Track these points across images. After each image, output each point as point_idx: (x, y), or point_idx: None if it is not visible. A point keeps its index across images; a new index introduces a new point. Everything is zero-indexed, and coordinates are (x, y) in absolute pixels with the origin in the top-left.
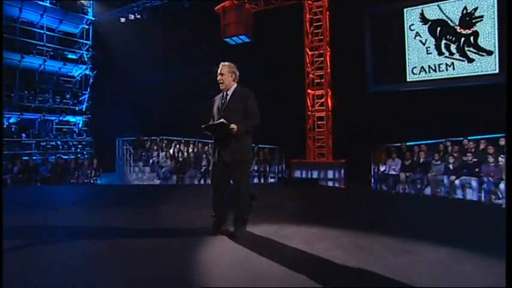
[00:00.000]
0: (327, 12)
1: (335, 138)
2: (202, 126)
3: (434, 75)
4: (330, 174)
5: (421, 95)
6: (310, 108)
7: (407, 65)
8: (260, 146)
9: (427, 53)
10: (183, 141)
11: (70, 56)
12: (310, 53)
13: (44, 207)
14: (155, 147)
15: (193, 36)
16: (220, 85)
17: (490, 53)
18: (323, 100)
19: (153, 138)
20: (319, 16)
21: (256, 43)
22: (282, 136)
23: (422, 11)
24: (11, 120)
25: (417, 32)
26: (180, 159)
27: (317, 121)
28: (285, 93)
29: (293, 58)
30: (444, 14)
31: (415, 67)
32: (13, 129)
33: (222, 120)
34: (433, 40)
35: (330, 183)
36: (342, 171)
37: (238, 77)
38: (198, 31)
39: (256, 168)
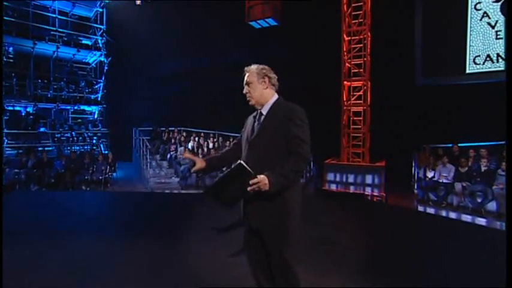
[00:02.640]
0: None
1: (373, 136)
2: (209, 189)
3: (503, 66)
4: (369, 179)
5: (482, 89)
6: (345, 102)
7: (467, 53)
8: None
9: (497, 38)
10: (202, 134)
11: (84, 41)
12: (347, 38)
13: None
14: (173, 140)
15: (216, 20)
16: (249, 102)
17: None
18: (361, 93)
19: (170, 129)
20: None
21: (284, 27)
22: (312, 132)
23: None
24: (28, 109)
25: (485, 12)
26: (200, 155)
27: (353, 117)
28: (317, 84)
29: (327, 44)
30: None
31: (479, 56)
32: (29, 120)
33: (240, 162)
34: (505, 21)
35: (368, 189)
36: (383, 175)
37: (276, 84)
38: (221, 14)
39: None
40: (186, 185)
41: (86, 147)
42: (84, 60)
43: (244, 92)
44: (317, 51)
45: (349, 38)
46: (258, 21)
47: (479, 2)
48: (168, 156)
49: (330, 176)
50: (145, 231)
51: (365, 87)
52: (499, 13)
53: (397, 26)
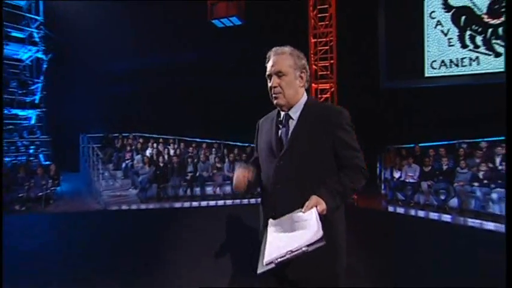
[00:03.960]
0: None
1: None
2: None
3: (456, 71)
4: None
5: (440, 92)
6: None
7: (425, 58)
8: (253, 145)
9: (449, 45)
10: (161, 140)
11: (14, 34)
12: (313, 40)
13: None
14: (128, 148)
15: (175, 16)
16: (276, 99)
17: None
18: (328, 95)
19: (124, 135)
20: None
21: (249, 27)
22: None
23: None
24: None
25: (439, 21)
26: (161, 164)
27: None
28: None
29: (293, 46)
30: (471, 0)
31: (435, 61)
32: None
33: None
34: (457, 30)
35: None
36: None
37: (308, 80)
38: (180, 10)
39: None
40: (146, 197)
41: (20, 158)
42: (15, 56)
43: (272, 85)
44: None
45: (316, 39)
46: (221, 19)
47: (434, 11)
48: (123, 165)
49: None
50: (105, 266)
51: (332, 90)
52: (451, 22)
53: (362, 30)
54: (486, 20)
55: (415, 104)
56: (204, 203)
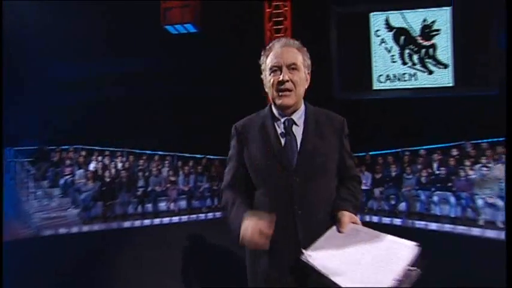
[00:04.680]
0: (290, 7)
1: None
2: None
3: (399, 85)
4: None
5: (386, 104)
6: None
7: (373, 72)
8: (209, 157)
9: (392, 61)
10: (107, 152)
11: None
12: None
13: None
14: (68, 162)
15: (125, 21)
16: (283, 97)
17: (446, 66)
18: None
19: (63, 147)
20: (281, 10)
21: (205, 35)
22: None
23: (387, 17)
24: None
25: (383, 39)
26: (107, 179)
27: None
28: (240, 96)
29: (251, 56)
30: (407, 22)
31: (381, 75)
32: None
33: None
34: (398, 48)
35: None
36: None
37: None
38: (132, 13)
39: (208, 186)
40: (89, 217)
41: None
42: None
43: (283, 78)
44: (240, 61)
45: None
46: (175, 26)
47: (378, 30)
48: (62, 181)
49: None
50: None
51: None
52: (392, 40)
53: (316, 44)
54: (420, 41)
55: (365, 115)
56: (157, 221)
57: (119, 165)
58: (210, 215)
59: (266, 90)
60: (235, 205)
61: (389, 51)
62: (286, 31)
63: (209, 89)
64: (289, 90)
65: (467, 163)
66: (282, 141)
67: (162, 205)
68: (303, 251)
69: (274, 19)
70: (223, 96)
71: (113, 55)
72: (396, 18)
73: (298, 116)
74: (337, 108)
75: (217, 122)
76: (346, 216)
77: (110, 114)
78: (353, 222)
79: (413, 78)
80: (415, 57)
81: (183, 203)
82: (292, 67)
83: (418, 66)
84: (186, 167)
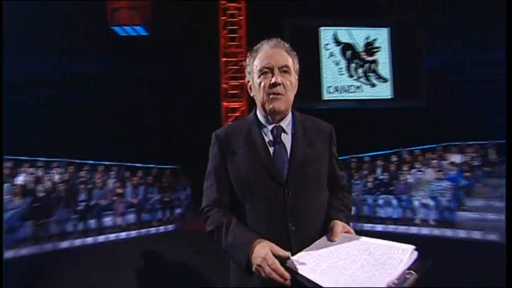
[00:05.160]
0: (245, 17)
1: None
2: None
3: (346, 96)
4: None
5: (335, 114)
6: (224, 122)
7: (323, 84)
8: (160, 166)
9: (340, 74)
10: (41, 163)
11: None
12: (224, 59)
13: None
14: None
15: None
16: (274, 101)
17: (385, 80)
18: (238, 114)
19: None
20: (236, 19)
21: (155, 38)
22: (191, 155)
23: (335, 32)
24: None
25: (331, 52)
26: (40, 193)
27: None
28: (192, 102)
29: (205, 62)
30: (353, 38)
31: (330, 86)
32: None
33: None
34: (345, 62)
35: None
36: None
37: None
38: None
39: (159, 198)
40: (15, 240)
41: None
42: None
43: (275, 81)
44: (193, 68)
45: (226, 59)
46: (124, 27)
47: (328, 44)
48: None
49: None
50: None
51: (243, 109)
52: (340, 54)
53: None
54: (364, 56)
55: None
56: (101, 238)
57: (56, 177)
58: (161, 229)
59: (252, 94)
60: (231, 228)
61: (337, 64)
62: (241, 40)
63: (160, 94)
64: (282, 94)
65: (405, 168)
66: (271, 150)
67: (108, 220)
68: (290, 257)
69: (229, 27)
70: (175, 102)
71: (49, 55)
72: (343, 34)
73: (287, 123)
74: None
75: (169, 129)
76: (339, 225)
77: (44, 119)
78: (346, 232)
79: (358, 90)
80: (360, 71)
81: (131, 217)
82: (284, 70)
83: (362, 79)
84: (135, 178)
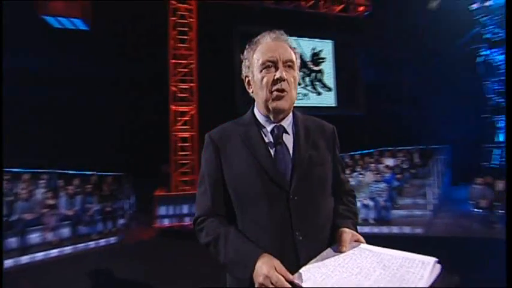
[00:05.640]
0: (197, 19)
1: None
2: None
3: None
4: None
5: None
6: (172, 127)
7: None
8: (100, 174)
9: None
10: None
11: None
12: (173, 61)
13: None
14: None
15: None
16: (279, 99)
17: (330, 89)
18: (187, 118)
19: None
20: (187, 21)
21: (98, 35)
22: (136, 160)
23: None
24: None
25: None
26: None
27: (181, 142)
28: (138, 106)
29: (152, 63)
30: (301, 48)
31: None
32: None
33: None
34: None
35: None
36: None
37: None
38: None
39: (99, 208)
40: None
41: None
42: None
43: (281, 76)
44: (139, 69)
45: (176, 61)
46: (58, 18)
47: None
48: None
49: (162, 210)
50: None
51: (192, 113)
52: None
53: (221, 55)
54: (310, 66)
55: None
56: (25, 258)
57: None
58: (102, 242)
59: (251, 91)
60: (230, 240)
61: None
62: (191, 42)
63: (103, 95)
64: (286, 92)
65: (348, 172)
66: (272, 152)
67: (34, 237)
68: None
69: (179, 28)
70: (118, 104)
71: None
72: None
73: (288, 123)
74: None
75: (111, 132)
76: (347, 233)
77: None
78: (355, 241)
79: (305, 97)
80: (307, 80)
81: (65, 231)
82: (289, 64)
83: (309, 88)
84: (70, 187)
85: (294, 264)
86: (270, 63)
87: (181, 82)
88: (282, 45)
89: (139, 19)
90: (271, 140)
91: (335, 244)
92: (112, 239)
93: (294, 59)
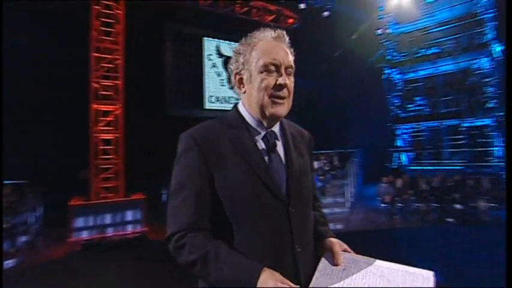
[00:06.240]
0: (125, 11)
1: (129, 167)
2: None
3: (227, 107)
4: (128, 216)
5: None
6: (93, 127)
7: (205, 93)
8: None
9: (221, 85)
10: None
11: None
12: (95, 54)
13: None
14: None
15: None
16: (278, 105)
17: None
18: (111, 118)
19: None
20: (113, 12)
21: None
22: (44, 166)
23: (218, 44)
24: None
25: (214, 63)
26: None
27: (103, 145)
28: (52, 103)
29: (71, 56)
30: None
31: (212, 96)
32: None
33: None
34: (226, 74)
35: (129, 227)
36: (144, 209)
37: None
38: None
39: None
40: None
41: None
42: None
43: (283, 82)
44: (55, 62)
45: (99, 54)
46: None
47: (211, 54)
48: None
49: (79, 222)
50: None
51: (117, 112)
52: (222, 66)
53: (150, 53)
54: None
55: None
56: None
57: None
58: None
59: (243, 90)
60: (222, 257)
61: (219, 75)
62: (118, 36)
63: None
64: (285, 98)
65: None
66: (267, 160)
67: None
68: None
69: (104, 19)
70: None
71: None
72: (225, 47)
73: (278, 129)
74: (168, 124)
75: (17, 134)
76: (336, 244)
77: None
78: (344, 251)
79: (239, 101)
80: None
81: None
82: (289, 71)
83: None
84: None
85: (293, 276)
86: (272, 67)
87: (105, 79)
88: (283, 48)
89: (57, 6)
90: (264, 146)
91: (326, 254)
92: (10, 262)
93: (293, 65)
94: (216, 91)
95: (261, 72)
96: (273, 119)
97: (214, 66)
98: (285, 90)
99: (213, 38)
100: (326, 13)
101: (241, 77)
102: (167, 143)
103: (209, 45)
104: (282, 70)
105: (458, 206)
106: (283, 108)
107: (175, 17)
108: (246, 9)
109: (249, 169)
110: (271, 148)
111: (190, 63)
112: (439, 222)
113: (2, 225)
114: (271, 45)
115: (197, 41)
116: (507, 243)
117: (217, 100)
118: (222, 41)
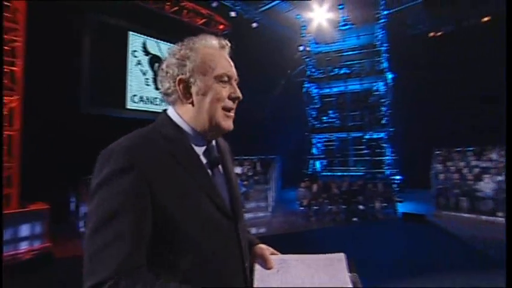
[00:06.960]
0: None
1: (28, 172)
2: None
3: (151, 107)
4: (26, 230)
5: (141, 125)
6: None
7: (127, 92)
8: None
9: (146, 84)
10: None
11: None
12: None
13: None
14: None
15: None
16: (229, 119)
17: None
18: (5, 112)
19: None
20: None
21: None
22: None
23: (145, 41)
24: None
25: (139, 61)
26: None
27: None
28: None
29: None
30: (161, 52)
31: (135, 95)
32: None
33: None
34: (152, 73)
35: (24, 245)
36: (46, 221)
37: None
38: None
39: None
40: None
41: None
42: None
43: (239, 95)
44: None
45: None
46: None
47: (136, 51)
48: None
49: None
50: None
51: (13, 105)
52: (148, 65)
53: (63, 41)
54: None
55: (116, 133)
56: None
57: None
58: None
59: (188, 100)
60: None
61: (144, 74)
62: (17, 13)
63: None
64: (233, 112)
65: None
66: (212, 175)
67: None
68: None
69: None
70: None
71: None
72: (153, 45)
73: (213, 142)
74: (82, 123)
75: None
76: (265, 249)
77: None
78: (271, 254)
79: (163, 103)
80: None
81: None
82: (236, 83)
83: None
84: None
85: (241, 284)
86: (226, 78)
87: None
88: (228, 58)
89: None
90: (206, 161)
91: (258, 261)
92: None
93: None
94: (140, 90)
95: (217, 83)
96: (221, 132)
97: (139, 63)
98: (236, 103)
99: (140, 33)
100: (254, 24)
101: (187, 85)
102: (79, 144)
103: (135, 41)
104: (233, 82)
105: (361, 207)
106: (231, 122)
107: (99, 3)
108: (176, 8)
109: (196, 188)
110: (214, 163)
111: (111, 57)
112: (346, 222)
113: (2, 225)
114: (221, 54)
115: (122, 34)
116: (507, 243)
117: (141, 100)
118: (149, 38)
